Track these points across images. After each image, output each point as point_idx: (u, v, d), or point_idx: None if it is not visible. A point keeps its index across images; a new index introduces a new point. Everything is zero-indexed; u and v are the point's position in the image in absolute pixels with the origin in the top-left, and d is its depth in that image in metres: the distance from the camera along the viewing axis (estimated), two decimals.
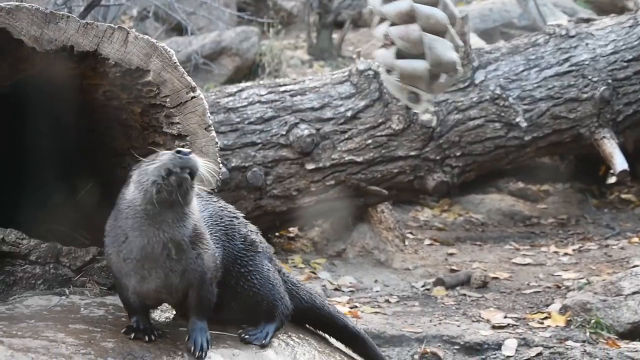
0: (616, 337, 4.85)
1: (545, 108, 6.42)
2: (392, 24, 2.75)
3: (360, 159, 6.08)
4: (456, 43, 2.89)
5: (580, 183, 7.85)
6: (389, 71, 2.78)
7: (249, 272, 3.29)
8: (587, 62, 6.54)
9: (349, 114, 6.05)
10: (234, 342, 3.11)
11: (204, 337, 3.07)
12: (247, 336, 3.17)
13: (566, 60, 6.55)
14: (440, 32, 2.76)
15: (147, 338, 2.96)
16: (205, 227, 3.14)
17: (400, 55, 2.74)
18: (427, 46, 2.75)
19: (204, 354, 3.04)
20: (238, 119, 5.86)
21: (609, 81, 6.50)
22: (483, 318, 5.13)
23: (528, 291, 5.69)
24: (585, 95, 6.46)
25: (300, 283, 3.60)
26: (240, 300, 3.25)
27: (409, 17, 2.74)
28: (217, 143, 3.31)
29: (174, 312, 3.26)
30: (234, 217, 3.35)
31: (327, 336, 3.59)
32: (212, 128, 3.34)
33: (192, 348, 3.00)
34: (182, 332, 3.04)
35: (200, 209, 3.12)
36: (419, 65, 2.74)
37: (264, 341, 3.16)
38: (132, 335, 2.96)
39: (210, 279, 3.15)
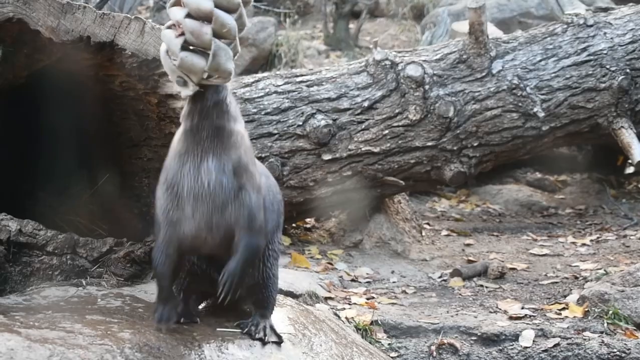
0: (634, 328, 4.84)
1: (563, 98, 6.40)
2: (188, 15, 2.80)
3: (377, 150, 6.07)
4: (236, 51, 2.94)
5: (598, 173, 7.83)
6: (168, 52, 2.83)
7: (269, 255, 3.29)
8: (605, 52, 6.52)
9: (365, 104, 6.05)
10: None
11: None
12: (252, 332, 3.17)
13: (584, 49, 6.53)
14: (228, 41, 2.82)
15: (163, 322, 2.99)
16: (256, 165, 3.18)
17: (184, 45, 2.80)
18: (212, 51, 2.80)
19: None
20: (255, 110, 5.86)
21: (627, 70, 6.48)
22: (500, 309, 5.13)
23: (545, 282, 5.68)
24: (603, 85, 6.44)
25: None
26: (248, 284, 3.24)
27: (206, 17, 2.79)
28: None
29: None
30: (278, 192, 3.38)
31: (343, 327, 3.58)
32: None
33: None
34: (198, 323, 3.05)
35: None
36: (198, 63, 2.81)
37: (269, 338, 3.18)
38: (158, 319, 2.99)
39: (260, 227, 3.16)
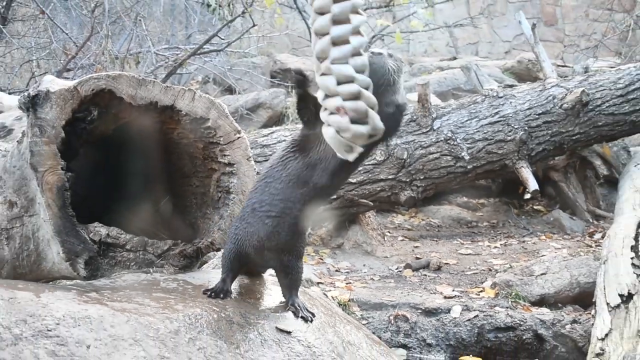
0: (529, 304, 4.86)
1: (482, 146, 6.42)
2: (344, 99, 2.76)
3: (354, 180, 6.09)
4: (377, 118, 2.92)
5: (506, 198, 7.85)
6: (337, 132, 2.78)
7: (302, 249, 3.14)
8: (510, 115, 6.55)
9: None
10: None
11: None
12: (295, 310, 3.04)
13: (496, 113, 6.56)
14: (373, 107, 2.79)
15: (221, 295, 2.97)
16: None
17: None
18: (370, 118, 2.76)
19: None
20: (270, 152, 5.88)
21: (526, 128, 6.51)
22: (438, 291, 5.14)
23: (469, 273, 5.69)
24: (509, 138, 6.47)
25: None
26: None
27: (356, 96, 2.75)
28: (255, 169, 3.32)
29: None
30: None
31: (330, 303, 3.58)
32: (252, 159, 3.35)
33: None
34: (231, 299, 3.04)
35: None
36: (363, 130, 2.76)
37: (310, 316, 3.05)
38: (210, 295, 2.98)
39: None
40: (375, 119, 2.77)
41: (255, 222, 2.95)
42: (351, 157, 2.80)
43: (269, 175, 2.96)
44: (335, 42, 2.76)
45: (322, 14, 2.80)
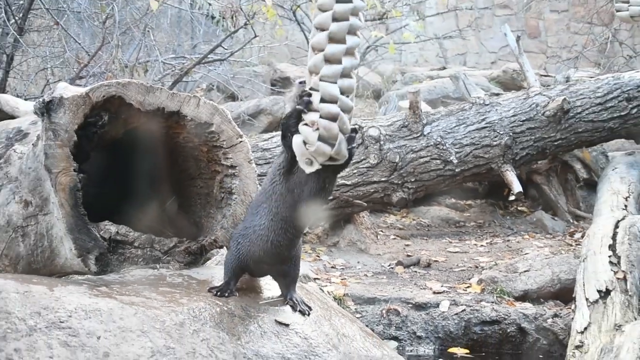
0: (513, 299, 4.86)
1: (469, 151, 6.43)
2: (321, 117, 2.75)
3: (349, 182, 6.09)
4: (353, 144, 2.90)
5: (492, 199, 7.85)
6: (304, 142, 2.77)
7: (300, 246, 3.15)
8: (496, 121, 6.56)
9: None
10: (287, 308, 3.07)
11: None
12: (293, 304, 3.05)
13: (483, 119, 6.57)
14: (345, 132, 2.77)
15: (226, 294, 2.97)
16: None
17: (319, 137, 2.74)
18: (338, 142, 2.75)
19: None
20: (270, 156, 5.88)
21: (510, 134, 6.52)
22: (427, 287, 5.14)
23: (457, 270, 5.69)
24: (495, 143, 6.48)
25: None
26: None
27: (333, 118, 2.74)
28: (256, 171, 3.32)
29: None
30: None
31: (326, 298, 3.58)
32: (253, 162, 3.35)
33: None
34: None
35: None
36: (327, 149, 2.74)
37: (307, 310, 3.05)
38: (216, 293, 2.97)
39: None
40: (342, 144, 2.76)
41: (256, 240, 2.97)
42: (308, 170, 2.80)
43: (263, 201, 2.98)
44: (328, 60, 2.76)
45: (322, 30, 2.79)
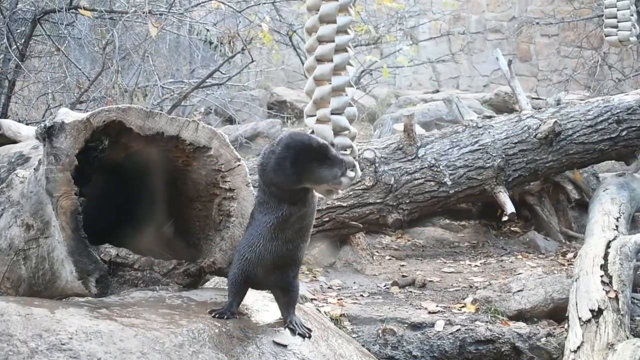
0: (507, 319, 4.85)
1: (463, 172, 6.44)
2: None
3: (345, 204, 6.10)
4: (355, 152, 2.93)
5: (485, 220, 7.85)
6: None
7: (299, 267, 3.13)
8: (489, 144, 6.58)
9: None
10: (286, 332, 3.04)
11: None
12: (292, 327, 3.02)
13: (476, 142, 6.58)
14: (356, 157, 2.83)
15: (225, 317, 2.95)
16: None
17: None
18: (356, 169, 2.82)
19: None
20: None
21: (503, 156, 6.53)
22: (423, 307, 5.12)
23: (451, 289, 5.69)
24: (488, 165, 6.49)
25: None
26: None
27: (349, 150, 2.81)
28: (253, 194, 3.33)
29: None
30: None
31: (322, 318, 3.57)
32: (251, 185, 3.36)
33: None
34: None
35: None
36: (352, 180, 2.81)
37: (307, 332, 3.03)
38: (216, 315, 2.96)
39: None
40: (358, 168, 2.83)
41: (266, 255, 2.96)
42: (330, 198, 2.89)
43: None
44: (336, 92, 2.82)
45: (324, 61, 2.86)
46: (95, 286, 3.13)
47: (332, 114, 2.82)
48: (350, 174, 2.70)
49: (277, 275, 3.00)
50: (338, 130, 2.81)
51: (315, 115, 2.89)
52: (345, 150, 2.80)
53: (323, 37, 2.84)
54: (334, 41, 2.83)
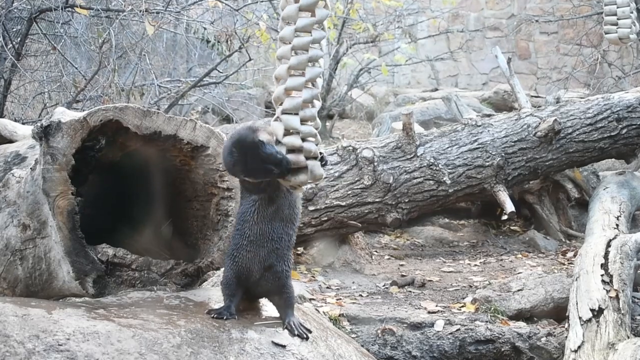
0: (507, 318, 4.85)
1: (462, 171, 6.44)
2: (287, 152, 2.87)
3: (343, 203, 6.09)
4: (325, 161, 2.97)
5: (485, 219, 7.85)
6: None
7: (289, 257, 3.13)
8: (488, 142, 6.58)
9: (336, 174, 6.09)
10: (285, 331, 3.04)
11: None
12: (291, 328, 3.02)
13: (475, 140, 6.58)
14: (315, 157, 2.87)
15: (224, 317, 2.96)
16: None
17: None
18: (309, 169, 2.87)
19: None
20: None
21: (502, 154, 6.54)
22: (422, 306, 5.13)
23: (451, 289, 5.69)
24: (487, 163, 6.49)
25: None
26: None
27: (299, 150, 2.86)
28: None
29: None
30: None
31: (321, 318, 3.57)
32: None
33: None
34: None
35: None
36: (303, 179, 2.88)
37: (305, 333, 3.03)
38: (215, 316, 2.97)
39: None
40: (315, 168, 2.85)
41: (253, 248, 2.98)
42: (297, 192, 2.94)
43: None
44: (289, 92, 2.86)
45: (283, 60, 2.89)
46: (93, 286, 3.12)
47: (282, 113, 2.86)
48: (300, 175, 2.80)
49: (269, 277, 3.01)
50: (288, 130, 2.85)
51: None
52: (294, 150, 2.84)
53: (283, 38, 2.88)
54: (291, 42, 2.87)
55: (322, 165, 2.92)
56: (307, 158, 2.86)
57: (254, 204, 2.96)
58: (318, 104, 2.92)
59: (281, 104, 2.89)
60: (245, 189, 3.00)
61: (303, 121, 2.86)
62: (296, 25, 2.85)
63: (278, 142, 2.86)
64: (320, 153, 2.93)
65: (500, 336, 4.65)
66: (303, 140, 2.85)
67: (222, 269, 3.18)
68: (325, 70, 11.91)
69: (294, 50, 2.85)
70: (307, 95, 2.87)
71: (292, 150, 2.84)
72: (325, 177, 3.14)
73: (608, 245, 4.93)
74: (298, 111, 2.86)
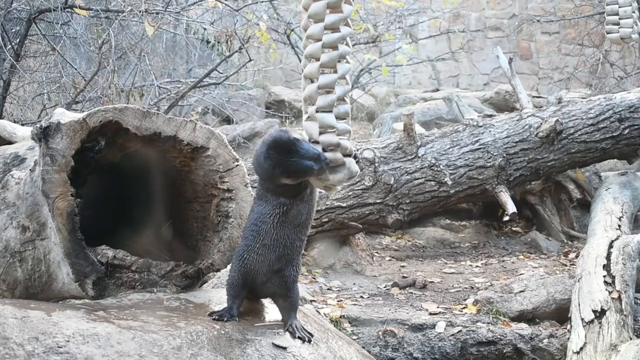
0: (509, 320, 4.85)
1: (464, 172, 6.44)
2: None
3: (344, 204, 6.09)
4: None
5: (486, 220, 7.85)
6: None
7: (299, 268, 3.12)
8: (490, 143, 6.58)
9: None
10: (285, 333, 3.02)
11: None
12: (292, 330, 3.00)
13: (477, 141, 6.59)
14: (350, 154, 2.88)
15: (225, 319, 2.96)
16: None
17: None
18: (346, 166, 2.86)
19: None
20: None
21: (504, 155, 6.54)
22: (423, 308, 5.12)
23: (452, 290, 5.68)
24: (489, 164, 6.49)
25: None
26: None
27: (336, 148, 2.86)
28: (252, 195, 3.32)
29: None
30: None
31: (322, 320, 3.56)
32: (249, 185, 3.36)
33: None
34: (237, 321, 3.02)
35: None
36: (341, 177, 2.88)
37: (307, 336, 3.00)
38: (216, 318, 2.96)
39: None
40: (352, 165, 2.86)
41: (264, 252, 2.97)
42: (331, 194, 2.95)
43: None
44: (322, 90, 2.86)
45: (314, 59, 2.87)
46: (92, 288, 3.12)
47: (317, 111, 2.85)
48: (339, 172, 2.80)
49: (275, 280, 3.00)
50: (324, 128, 2.85)
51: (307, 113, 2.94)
52: (332, 148, 2.84)
53: (312, 35, 2.87)
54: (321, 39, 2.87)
55: (356, 163, 2.93)
56: (344, 155, 2.87)
57: (276, 208, 2.92)
58: (349, 104, 2.94)
59: (312, 103, 2.87)
60: (276, 193, 2.92)
61: (337, 118, 2.86)
62: (325, 22, 2.84)
63: (314, 142, 2.87)
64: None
65: (502, 338, 4.65)
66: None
67: (226, 269, 3.18)
68: None
69: (324, 48, 2.85)
70: (340, 92, 2.86)
71: (328, 148, 2.84)
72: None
73: (610, 246, 4.93)
74: (332, 108, 2.85)
